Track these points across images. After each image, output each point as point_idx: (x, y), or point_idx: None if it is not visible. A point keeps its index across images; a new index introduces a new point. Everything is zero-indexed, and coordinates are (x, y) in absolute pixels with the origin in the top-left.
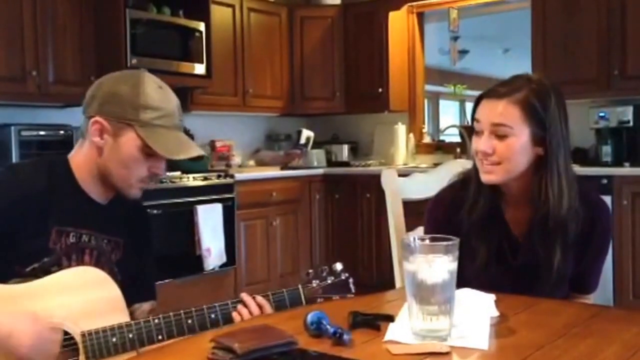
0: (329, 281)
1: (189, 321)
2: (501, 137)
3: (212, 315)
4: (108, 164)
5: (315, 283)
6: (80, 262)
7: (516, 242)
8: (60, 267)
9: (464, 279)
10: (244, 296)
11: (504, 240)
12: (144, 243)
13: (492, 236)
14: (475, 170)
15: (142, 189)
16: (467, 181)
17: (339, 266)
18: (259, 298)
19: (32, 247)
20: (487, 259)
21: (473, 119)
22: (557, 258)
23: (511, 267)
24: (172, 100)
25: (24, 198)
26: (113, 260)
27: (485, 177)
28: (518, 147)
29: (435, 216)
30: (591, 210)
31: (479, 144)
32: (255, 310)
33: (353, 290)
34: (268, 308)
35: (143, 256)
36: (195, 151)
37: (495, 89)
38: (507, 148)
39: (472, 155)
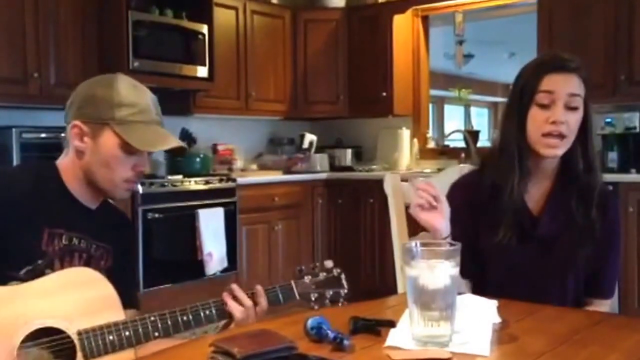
0: (321, 277)
1: (184, 318)
2: (572, 108)
3: (207, 312)
4: (91, 167)
5: (307, 279)
6: (71, 265)
7: (532, 216)
8: (53, 269)
9: (485, 257)
10: (235, 288)
11: (521, 215)
12: (129, 252)
13: (510, 210)
14: (511, 150)
15: (130, 190)
16: (483, 168)
17: (329, 263)
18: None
19: (24, 249)
20: (506, 233)
21: (535, 92)
22: (576, 232)
23: (530, 242)
24: (147, 97)
25: (8, 201)
26: (102, 266)
27: (549, 151)
28: (580, 118)
29: (453, 200)
30: (602, 198)
31: (555, 114)
32: (247, 301)
33: (346, 286)
34: (263, 301)
35: (127, 265)
36: (173, 142)
37: (565, 64)
38: (576, 120)
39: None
